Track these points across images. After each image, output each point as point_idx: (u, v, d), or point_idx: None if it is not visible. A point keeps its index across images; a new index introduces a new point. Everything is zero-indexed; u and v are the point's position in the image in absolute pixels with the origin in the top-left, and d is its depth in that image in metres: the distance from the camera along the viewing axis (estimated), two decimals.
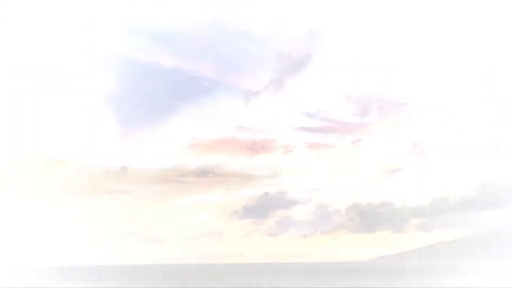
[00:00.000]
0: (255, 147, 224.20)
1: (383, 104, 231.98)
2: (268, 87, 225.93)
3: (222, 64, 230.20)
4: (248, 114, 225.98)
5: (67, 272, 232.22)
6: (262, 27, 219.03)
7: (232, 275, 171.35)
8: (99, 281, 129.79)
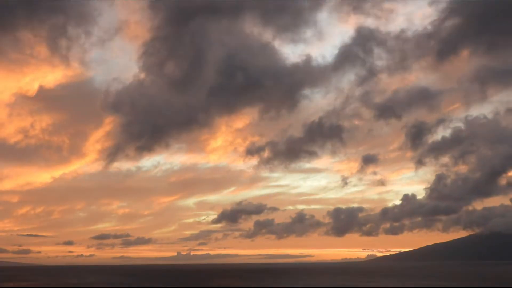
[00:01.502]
0: None
1: None
2: None
3: None
4: None
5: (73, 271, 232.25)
6: None
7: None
8: (99, 280, 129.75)
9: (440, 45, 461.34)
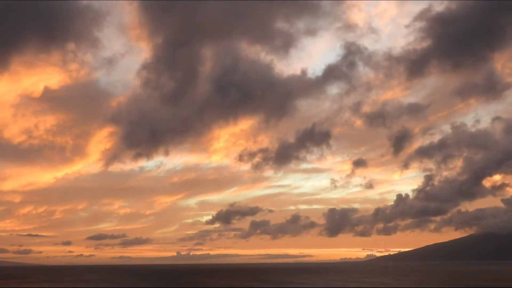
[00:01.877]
0: None
1: None
2: None
3: None
4: None
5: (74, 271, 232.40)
6: None
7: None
8: (99, 280, 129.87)
9: (419, 62, 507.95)
